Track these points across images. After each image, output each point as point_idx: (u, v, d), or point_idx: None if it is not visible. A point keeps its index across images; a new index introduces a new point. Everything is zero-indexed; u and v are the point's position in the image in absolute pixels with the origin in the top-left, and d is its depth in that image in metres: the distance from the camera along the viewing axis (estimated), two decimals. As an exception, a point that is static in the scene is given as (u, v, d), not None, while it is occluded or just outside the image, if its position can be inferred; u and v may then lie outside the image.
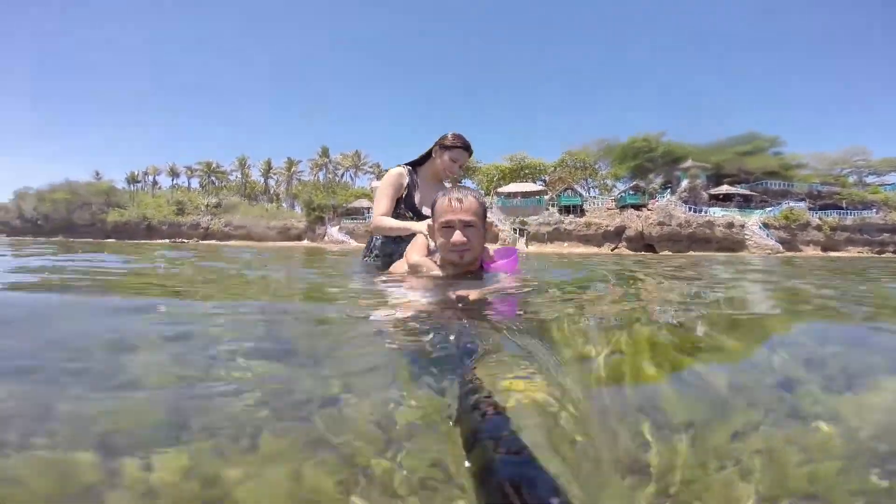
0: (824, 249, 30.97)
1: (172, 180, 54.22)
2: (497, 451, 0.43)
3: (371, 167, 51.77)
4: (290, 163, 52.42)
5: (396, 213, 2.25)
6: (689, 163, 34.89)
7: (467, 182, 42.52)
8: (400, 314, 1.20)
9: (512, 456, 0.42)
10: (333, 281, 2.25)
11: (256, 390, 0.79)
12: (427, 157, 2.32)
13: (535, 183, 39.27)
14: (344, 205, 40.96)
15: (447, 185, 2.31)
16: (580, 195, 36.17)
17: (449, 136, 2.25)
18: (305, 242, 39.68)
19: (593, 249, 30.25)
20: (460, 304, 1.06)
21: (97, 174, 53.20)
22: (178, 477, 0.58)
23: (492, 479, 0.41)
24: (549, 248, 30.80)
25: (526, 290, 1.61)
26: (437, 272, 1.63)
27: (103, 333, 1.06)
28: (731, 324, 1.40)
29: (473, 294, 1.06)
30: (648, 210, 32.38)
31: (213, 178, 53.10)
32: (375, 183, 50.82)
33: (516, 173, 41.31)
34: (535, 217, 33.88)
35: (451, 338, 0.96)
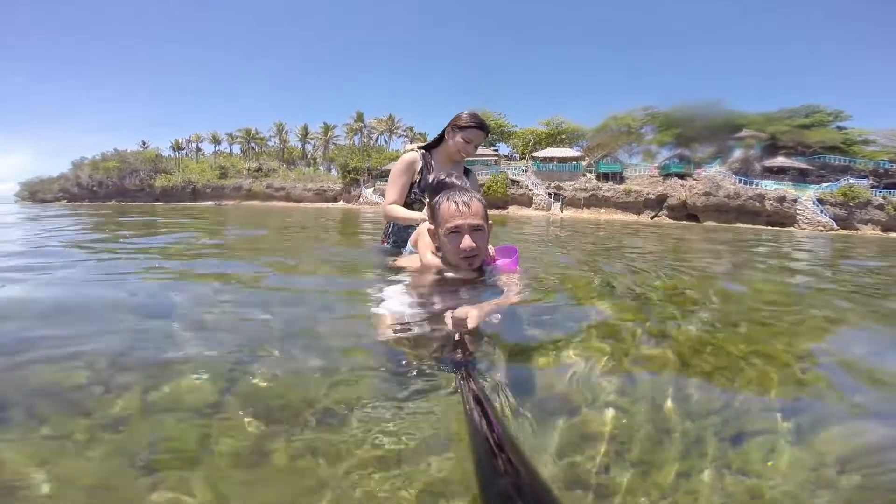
0: (885, 230, 28.65)
1: (214, 147, 56.19)
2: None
3: (405, 130, 51.38)
4: (327, 128, 52.84)
5: (411, 198, 2.25)
6: (744, 132, 32.44)
7: (501, 147, 41.59)
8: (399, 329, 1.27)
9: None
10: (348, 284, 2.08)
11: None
12: (441, 139, 2.27)
13: (571, 148, 37.87)
14: (378, 167, 41.38)
15: (461, 170, 2.26)
16: (620, 162, 34.70)
17: (464, 115, 2.18)
18: (341, 204, 40.84)
19: (632, 217, 29.41)
20: (456, 335, 1.02)
21: (143, 143, 55.80)
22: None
23: None
24: (585, 214, 30.29)
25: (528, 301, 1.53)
26: (449, 273, 1.55)
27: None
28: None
29: (472, 319, 0.99)
30: (694, 179, 30.73)
31: (253, 144, 54.54)
32: (409, 146, 50.13)
33: (553, 138, 39.93)
34: (572, 182, 33.04)
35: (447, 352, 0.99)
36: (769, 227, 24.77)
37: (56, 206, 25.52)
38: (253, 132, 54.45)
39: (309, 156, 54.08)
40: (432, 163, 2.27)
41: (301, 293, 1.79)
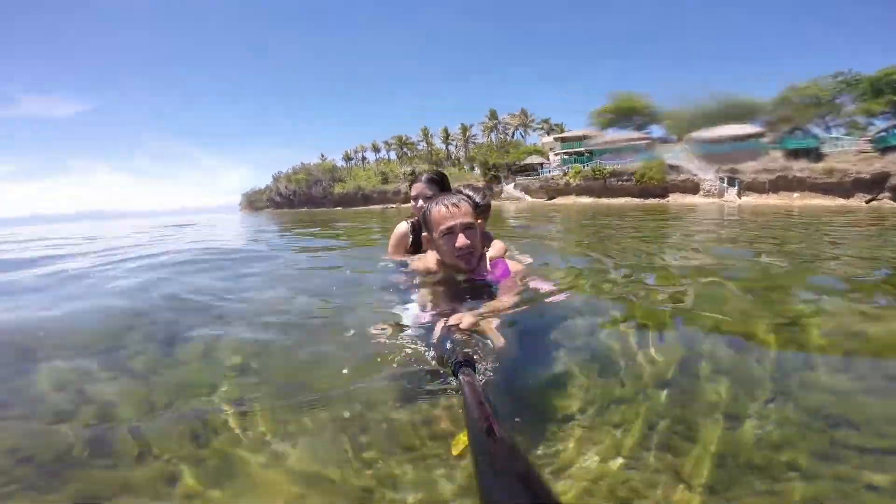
0: None
1: (375, 155, 65.20)
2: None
3: (539, 124, 51.83)
4: (464, 128, 56.63)
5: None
6: None
7: (653, 129, 38.82)
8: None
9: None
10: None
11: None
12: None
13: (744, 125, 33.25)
14: (517, 162, 42.76)
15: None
16: (815, 136, 29.24)
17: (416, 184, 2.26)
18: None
19: (838, 202, 24.45)
20: (456, 336, 1.01)
21: (322, 156, 67.92)
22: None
23: None
24: (773, 200, 26.24)
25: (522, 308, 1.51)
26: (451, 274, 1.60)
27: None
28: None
29: (466, 321, 1.04)
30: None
31: (406, 150, 61.60)
32: (546, 138, 50.88)
33: (719, 115, 35.48)
34: (751, 163, 29.15)
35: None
36: None
37: (265, 214, 31.49)
38: (404, 139, 61.49)
39: (452, 156, 58.65)
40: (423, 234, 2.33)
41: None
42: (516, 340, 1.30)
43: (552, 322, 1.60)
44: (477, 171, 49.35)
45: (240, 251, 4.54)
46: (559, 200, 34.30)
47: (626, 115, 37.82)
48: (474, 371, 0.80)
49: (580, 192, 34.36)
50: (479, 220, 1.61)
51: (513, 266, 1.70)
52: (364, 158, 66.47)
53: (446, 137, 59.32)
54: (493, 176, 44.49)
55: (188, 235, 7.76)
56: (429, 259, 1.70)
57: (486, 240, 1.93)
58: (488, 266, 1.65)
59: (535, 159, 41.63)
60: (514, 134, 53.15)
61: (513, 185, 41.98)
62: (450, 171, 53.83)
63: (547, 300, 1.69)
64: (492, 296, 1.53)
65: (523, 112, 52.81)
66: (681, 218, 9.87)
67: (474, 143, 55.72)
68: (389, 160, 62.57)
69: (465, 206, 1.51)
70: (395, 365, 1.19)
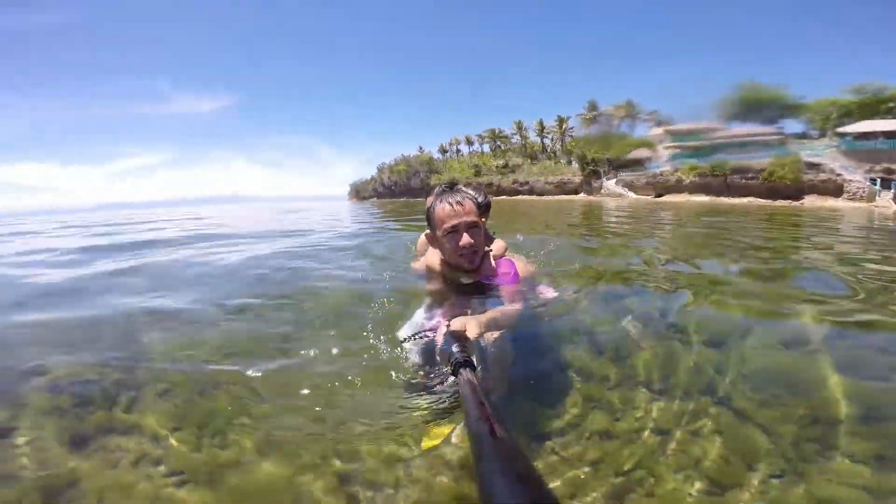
0: None
1: (469, 148, 67.27)
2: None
3: (648, 116, 49.01)
4: (561, 120, 55.76)
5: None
6: None
7: (786, 123, 34.75)
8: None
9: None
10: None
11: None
12: None
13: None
14: (621, 157, 41.14)
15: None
16: None
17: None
18: (581, 196, 42.75)
19: None
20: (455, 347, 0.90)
21: (420, 148, 71.66)
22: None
23: None
24: (944, 209, 22.30)
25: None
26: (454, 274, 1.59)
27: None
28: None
29: (471, 331, 0.99)
30: None
31: (499, 143, 62.62)
32: (655, 130, 47.67)
33: (869, 108, 30.48)
34: (915, 164, 25.03)
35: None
36: None
37: (369, 203, 34.82)
38: (497, 132, 62.41)
39: (549, 149, 58.25)
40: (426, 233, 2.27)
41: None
42: (518, 346, 1.30)
43: (555, 329, 1.59)
44: (575, 164, 48.55)
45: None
46: (669, 198, 32.76)
47: (754, 107, 34.37)
48: (474, 371, 0.80)
49: (694, 189, 32.46)
50: (482, 220, 1.60)
51: (521, 267, 1.68)
52: (458, 151, 68.88)
53: (541, 130, 58.95)
54: (592, 171, 43.32)
55: (314, 217, 10.10)
56: (431, 258, 1.71)
57: (487, 239, 1.90)
58: (493, 264, 1.64)
59: (642, 153, 39.75)
60: (618, 126, 51.03)
61: (614, 180, 40.67)
62: (544, 165, 53.66)
63: (553, 307, 1.68)
64: (497, 299, 1.52)
65: (629, 103, 50.37)
66: (825, 220, 9.42)
67: (571, 136, 54.65)
68: (482, 153, 64.06)
69: (470, 205, 1.50)
70: (394, 374, 1.24)
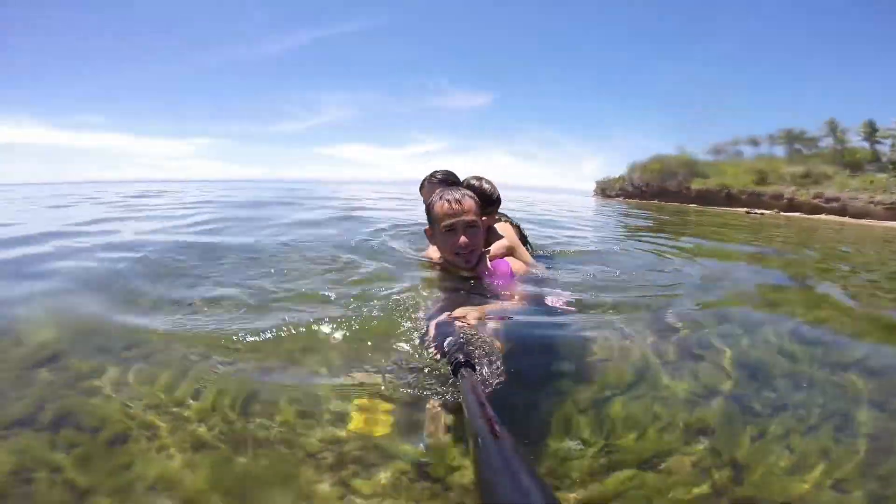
0: None
1: (753, 150, 58.31)
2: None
3: None
4: (918, 117, 41.68)
5: None
6: None
7: None
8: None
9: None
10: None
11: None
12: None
13: None
14: None
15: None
16: None
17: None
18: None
19: None
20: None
21: (681, 147, 66.37)
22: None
23: None
24: None
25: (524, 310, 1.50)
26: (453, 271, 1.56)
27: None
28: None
29: (472, 317, 1.03)
30: None
31: (798, 146, 52.41)
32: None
33: None
34: None
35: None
36: None
37: (615, 201, 33.29)
38: (796, 132, 51.97)
39: (884, 159, 45.43)
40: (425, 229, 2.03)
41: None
42: (517, 346, 1.28)
43: (556, 331, 1.51)
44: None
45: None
46: None
47: None
48: (474, 371, 0.79)
49: None
50: (483, 218, 1.58)
51: (515, 266, 1.70)
52: (739, 153, 60.92)
53: (871, 133, 45.95)
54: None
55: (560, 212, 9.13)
56: (431, 251, 1.78)
57: (492, 235, 1.86)
58: (489, 265, 1.63)
59: None
60: None
61: None
62: (870, 179, 42.18)
63: (555, 312, 1.61)
64: (496, 295, 1.53)
65: None
66: None
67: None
68: (773, 157, 54.85)
69: (469, 203, 1.50)
70: (391, 363, 1.16)
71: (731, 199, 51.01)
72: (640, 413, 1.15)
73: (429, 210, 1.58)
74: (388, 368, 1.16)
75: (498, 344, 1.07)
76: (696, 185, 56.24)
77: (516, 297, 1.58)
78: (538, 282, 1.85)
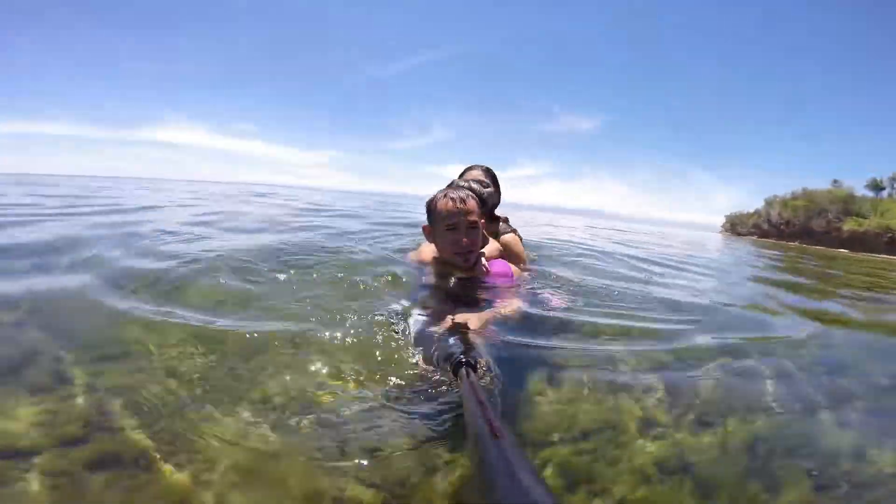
0: None
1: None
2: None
3: None
4: None
5: None
6: None
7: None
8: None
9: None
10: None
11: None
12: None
13: None
14: None
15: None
16: None
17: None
18: None
19: None
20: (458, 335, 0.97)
21: (835, 181, 55.12)
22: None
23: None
24: None
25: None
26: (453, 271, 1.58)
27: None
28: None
29: (473, 322, 1.04)
30: None
31: None
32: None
33: None
34: None
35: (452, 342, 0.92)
36: None
37: (745, 241, 27.81)
38: None
39: None
40: (424, 226, 2.02)
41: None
42: (517, 348, 1.29)
43: (555, 333, 1.51)
44: None
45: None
46: None
47: None
48: (474, 371, 0.79)
49: None
50: (481, 220, 1.58)
51: (511, 268, 1.72)
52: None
53: None
54: None
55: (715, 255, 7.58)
56: (425, 252, 1.74)
57: (484, 239, 1.89)
58: (484, 264, 1.64)
59: None
60: None
61: None
62: None
63: (554, 312, 1.65)
64: (491, 296, 1.54)
65: None
66: None
67: None
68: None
69: (472, 203, 1.50)
70: (392, 366, 1.13)
71: (893, 244, 41.05)
72: (643, 412, 1.14)
73: (430, 207, 1.58)
74: (391, 380, 1.09)
75: (498, 339, 1.15)
76: (849, 225, 46.40)
77: (516, 297, 1.63)
78: (536, 282, 1.95)
